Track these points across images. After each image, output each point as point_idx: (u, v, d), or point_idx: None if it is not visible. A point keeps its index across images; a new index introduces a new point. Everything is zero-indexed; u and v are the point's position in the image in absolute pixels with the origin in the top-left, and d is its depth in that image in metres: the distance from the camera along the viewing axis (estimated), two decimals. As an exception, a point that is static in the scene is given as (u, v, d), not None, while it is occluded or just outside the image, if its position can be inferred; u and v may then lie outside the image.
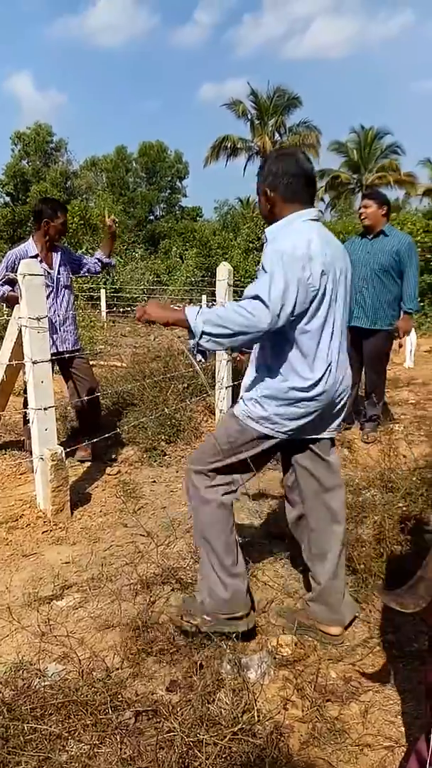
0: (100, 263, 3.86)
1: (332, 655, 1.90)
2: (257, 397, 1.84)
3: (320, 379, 1.79)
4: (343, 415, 1.97)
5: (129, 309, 13.87)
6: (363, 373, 4.34)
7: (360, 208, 4.15)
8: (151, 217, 38.39)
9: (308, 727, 1.59)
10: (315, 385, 1.79)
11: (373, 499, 2.98)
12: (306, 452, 1.96)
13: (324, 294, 1.75)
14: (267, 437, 1.86)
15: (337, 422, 1.96)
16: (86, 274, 3.88)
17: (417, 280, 4.05)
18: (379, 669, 1.84)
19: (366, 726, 1.60)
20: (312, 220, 1.83)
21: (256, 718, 1.58)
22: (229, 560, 1.91)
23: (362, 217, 4.08)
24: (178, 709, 1.61)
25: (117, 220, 3.65)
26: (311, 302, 1.73)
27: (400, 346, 4.24)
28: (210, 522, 1.92)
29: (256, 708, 1.61)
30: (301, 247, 1.70)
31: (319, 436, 1.93)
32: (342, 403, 1.93)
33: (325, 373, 1.80)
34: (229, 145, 30.03)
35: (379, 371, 4.25)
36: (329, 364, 1.81)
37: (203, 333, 1.69)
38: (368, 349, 4.17)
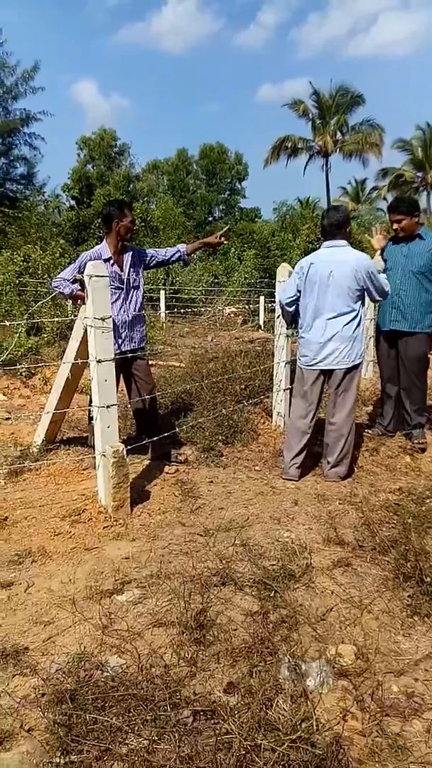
0: (179, 253, 3.87)
1: (393, 668, 1.85)
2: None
3: None
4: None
5: (187, 310, 14.05)
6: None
7: (392, 224, 4.11)
8: (210, 219, 38.65)
9: (368, 741, 1.55)
10: None
11: (437, 509, 2.87)
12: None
13: None
14: None
15: None
16: (157, 266, 3.94)
17: None
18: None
19: (429, 745, 1.55)
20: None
21: (314, 727, 1.55)
22: None
23: (397, 231, 4.07)
24: (236, 711, 1.60)
25: (225, 243, 4.05)
26: None
27: None
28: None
29: (315, 717, 1.58)
30: None
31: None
32: None
33: None
34: (289, 145, 29.85)
35: (420, 375, 4.11)
36: None
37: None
38: (408, 352, 4.07)
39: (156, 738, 1.53)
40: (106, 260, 3.49)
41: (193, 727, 1.57)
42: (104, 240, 3.64)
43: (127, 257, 3.64)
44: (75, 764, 1.47)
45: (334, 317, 3.47)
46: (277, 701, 1.65)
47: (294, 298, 3.72)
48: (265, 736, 1.51)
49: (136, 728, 1.56)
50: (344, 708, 1.65)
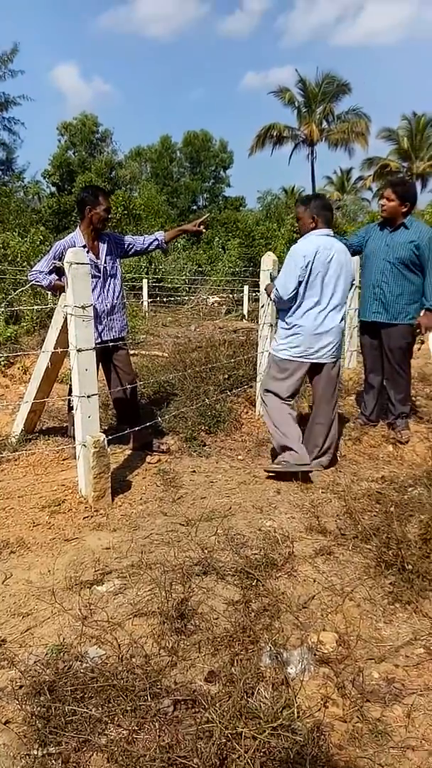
0: (156, 242, 3.79)
1: (374, 655, 1.85)
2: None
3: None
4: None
5: (171, 299, 13.94)
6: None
7: (381, 198, 3.99)
8: (194, 207, 38.37)
9: (349, 727, 1.56)
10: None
11: (419, 498, 2.89)
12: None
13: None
14: None
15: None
16: (135, 255, 3.88)
17: None
18: (423, 672, 1.78)
19: (409, 729, 1.56)
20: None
21: (296, 714, 1.55)
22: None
23: (382, 209, 3.97)
24: (217, 700, 1.60)
25: (204, 231, 3.96)
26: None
27: (422, 342, 4.10)
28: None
29: (296, 704, 1.58)
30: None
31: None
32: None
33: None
34: (275, 134, 29.68)
35: (403, 365, 4.07)
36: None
37: None
38: (389, 344, 4.02)
39: (136, 728, 1.52)
40: (81, 248, 3.42)
41: (173, 717, 1.56)
42: (78, 227, 3.57)
43: (103, 245, 3.57)
44: (53, 756, 1.45)
45: (334, 309, 3.38)
46: (259, 689, 1.65)
47: (296, 292, 3.38)
48: (246, 724, 1.50)
49: (116, 719, 1.55)
50: (325, 695, 1.66)
